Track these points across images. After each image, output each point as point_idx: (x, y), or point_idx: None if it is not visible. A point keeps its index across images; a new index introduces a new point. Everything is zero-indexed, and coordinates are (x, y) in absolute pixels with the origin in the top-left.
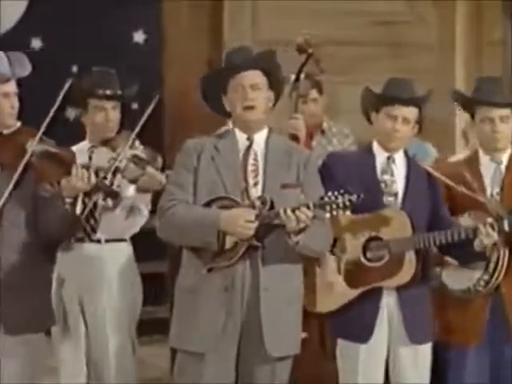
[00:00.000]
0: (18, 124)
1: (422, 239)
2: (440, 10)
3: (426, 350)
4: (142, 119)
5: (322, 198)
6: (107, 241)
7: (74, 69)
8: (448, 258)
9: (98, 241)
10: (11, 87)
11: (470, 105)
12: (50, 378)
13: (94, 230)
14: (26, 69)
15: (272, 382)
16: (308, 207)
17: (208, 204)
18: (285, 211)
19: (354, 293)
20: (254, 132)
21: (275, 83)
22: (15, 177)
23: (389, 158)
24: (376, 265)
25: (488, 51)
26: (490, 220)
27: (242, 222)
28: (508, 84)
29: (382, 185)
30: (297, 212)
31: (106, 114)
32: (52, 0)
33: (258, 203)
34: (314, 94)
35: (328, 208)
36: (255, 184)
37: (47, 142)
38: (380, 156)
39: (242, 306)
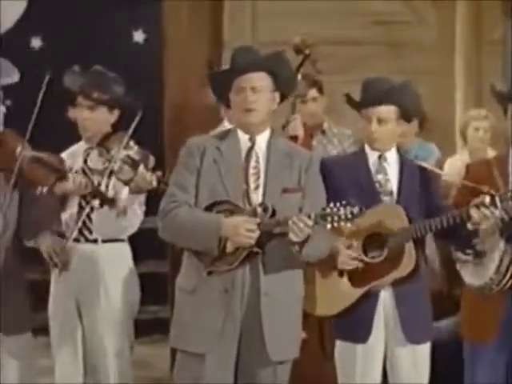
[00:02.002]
0: (1, 128)
1: (418, 227)
2: (440, 10)
3: (424, 350)
4: (136, 120)
5: (324, 209)
6: (104, 241)
7: (75, 69)
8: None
9: (95, 241)
10: None
11: (503, 100)
12: (45, 378)
13: (91, 231)
14: (11, 77)
15: (274, 383)
16: (309, 218)
17: (209, 208)
18: (286, 221)
19: (358, 292)
20: (255, 133)
21: (282, 84)
22: (12, 181)
23: (380, 156)
24: (377, 260)
25: (488, 51)
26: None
27: (244, 230)
28: (508, 84)
29: (377, 185)
30: (298, 222)
31: (82, 112)
32: (52, 0)
33: (259, 210)
34: (314, 93)
35: (329, 219)
36: (256, 187)
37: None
38: (372, 156)
39: (241, 308)
